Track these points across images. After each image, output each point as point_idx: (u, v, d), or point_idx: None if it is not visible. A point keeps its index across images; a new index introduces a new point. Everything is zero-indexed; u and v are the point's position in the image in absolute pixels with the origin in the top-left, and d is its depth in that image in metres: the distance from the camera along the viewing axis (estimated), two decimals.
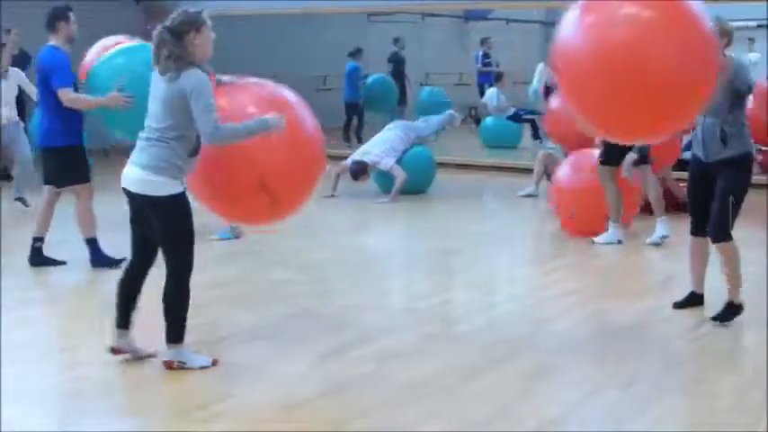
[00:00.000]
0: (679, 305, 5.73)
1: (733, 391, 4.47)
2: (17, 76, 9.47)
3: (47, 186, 6.84)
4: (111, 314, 4.78)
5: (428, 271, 7.27)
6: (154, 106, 4.57)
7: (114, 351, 4.75)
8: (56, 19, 6.67)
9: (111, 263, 6.63)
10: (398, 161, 10.13)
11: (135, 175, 4.56)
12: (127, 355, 4.76)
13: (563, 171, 8.24)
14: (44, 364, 4.86)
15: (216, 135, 4.47)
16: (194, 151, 4.59)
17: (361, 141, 13.18)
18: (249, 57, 15.49)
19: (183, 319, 4.64)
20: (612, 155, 7.51)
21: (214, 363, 4.70)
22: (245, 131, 4.59)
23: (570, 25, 4.79)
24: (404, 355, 5.01)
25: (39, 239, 6.88)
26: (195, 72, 4.48)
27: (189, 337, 5.09)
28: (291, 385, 4.54)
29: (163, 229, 4.58)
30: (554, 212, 8.29)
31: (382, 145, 10.25)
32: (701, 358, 5.07)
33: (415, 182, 10.28)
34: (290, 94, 5.16)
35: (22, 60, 10.90)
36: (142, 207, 4.60)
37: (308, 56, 16.97)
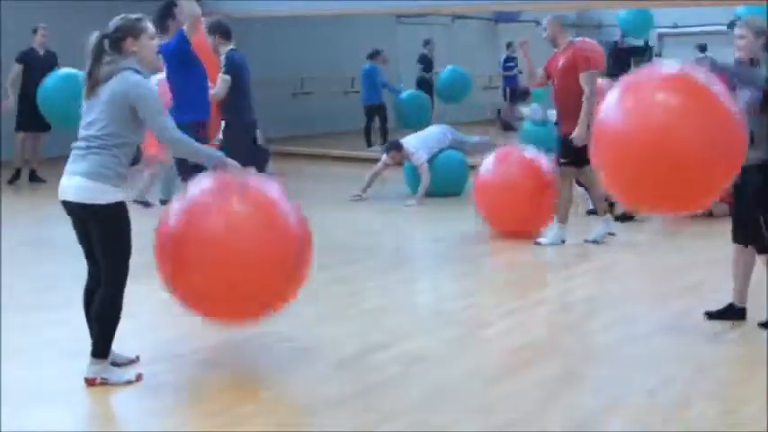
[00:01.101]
0: (713, 316, 5.55)
1: (763, 397, 4.42)
2: None
3: None
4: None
5: (456, 274, 7.26)
6: (91, 114, 4.43)
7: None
8: (165, 18, 6.87)
9: None
10: (430, 161, 10.13)
11: (74, 183, 4.41)
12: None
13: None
14: (66, 364, 4.89)
15: (176, 140, 4.45)
16: (134, 159, 4.50)
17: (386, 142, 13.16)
18: (277, 59, 15.61)
19: (111, 334, 4.48)
20: (573, 157, 7.58)
21: (138, 378, 4.53)
22: (197, 148, 4.56)
23: (609, 105, 5.02)
24: (430, 358, 5.01)
25: None
26: (130, 75, 4.37)
27: (216, 337, 5.13)
28: (318, 387, 4.56)
29: (101, 237, 4.43)
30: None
31: (420, 139, 10.32)
32: (729, 364, 5.03)
33: (447, 184, 10.26)
34: (275, 191, 4.74)
35: (50, 59, 10.99)
36: (83, 219, 4.47)
37: (336, 58, 17.01)
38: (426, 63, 16.95)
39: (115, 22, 4.48)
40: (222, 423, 4.11)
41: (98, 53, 4.41)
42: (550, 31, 7.86)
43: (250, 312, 4.68)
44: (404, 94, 15.55)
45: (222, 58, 7.44)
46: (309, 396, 4.45)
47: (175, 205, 4.62)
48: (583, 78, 7.56)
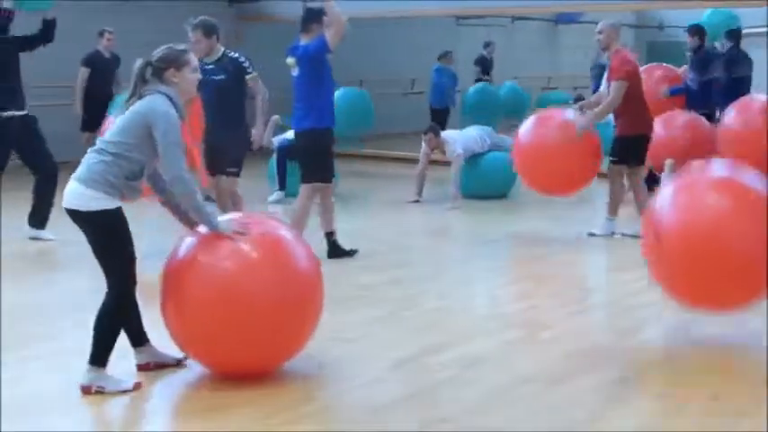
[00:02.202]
0: None
1: None
2: None
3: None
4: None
5: (512, 276, 7.24)
6: (118, 120, 4.50)
7: (140, 368, 4.69)
8: (311, 21, 7.01)
9: (346, 253, 7.27)
10: (475, 162, 10.08)
11: (69, 188, 4.40)
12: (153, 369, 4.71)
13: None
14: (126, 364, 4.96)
15: (181, 178, 4.36)
16: (133, 175, 4.39)
17: None
18: (336, 60, 15.65)
19: (108, 342, 4.43)
20: (623, 156, 8.09)
21: (136, 387, 4.46)
22: (196, 201, 4.41)
23: (664, 202, 5.22)
24: (488, 360, 5.00)
25: (331, 233, 7.33)
26: (160, 99, 4.41)
27: None
28: (375, 388, 4.57)
29: (94, 245, 4.42)
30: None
31: (459, 134, 10.28)
32: None
33: (494, 185, 10.23)
34: (286, 232, 4.72)
35: (115, 62, 11.17)
36: (79, 225, 4.44)
37: (395, 59, 17.04)
38: (485, 65, 16.87)
39: (160, 51, 4.53)
40: (279, 423, 4.13)
41: (140, 79, 4.47)
42: (606, 37, 8.11)
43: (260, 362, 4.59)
44: (471, 89, 15.47)
45: (242, 59, 7.18)
46: (366, 397, 4.46)
47: (180, 249, 4.53)
48: (613, 86, 7.95)
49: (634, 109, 8.03)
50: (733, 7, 12.38)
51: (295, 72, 7.12)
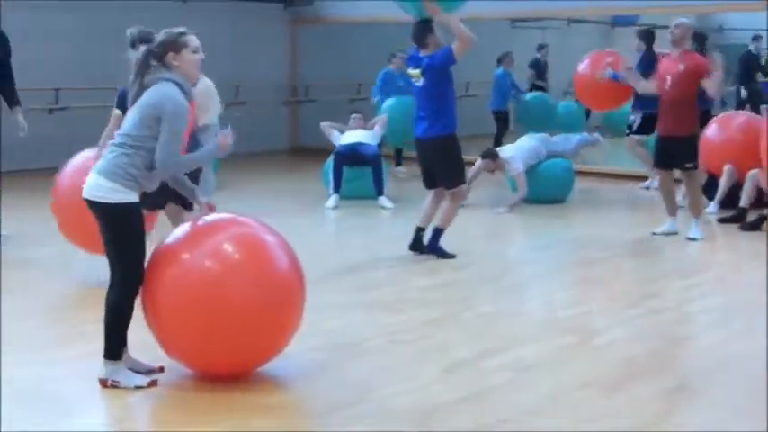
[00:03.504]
0: None
1: None
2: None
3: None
4: None
5: (568, 281, 7.19)
6: (130, 114, 4.51)
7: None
8: (425, 35, 7.29)
9: (445, 254, 7.39)
10: (533, 169, 10.02)
11: (89, 180, 4.46)
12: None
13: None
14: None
15: (167, 165, 4.39)
16: (153, 165, 4.42)
17: None
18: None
19: (120, 336, 4.47)
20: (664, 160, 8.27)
21: (151, 384, 4.49)
22: (191, 162, 4.65)
23: None
24: (542, 365, 4.98)
25: (421, 229, 7.52)
26: (166, 87, 4.43)
27: (325, 338, 5.19)
28: (429, 390, 4.57)
29: (108, 236, 4.43)
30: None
31: (516, 149, 10.16)
32: None
33: (552, 191, 10.17)
34: (269, 236, 4.60)
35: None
36: (96, 216, 4.47)
37: None
38: (540, 69, 16.72)
39: (159, 35, 4.54)
40: (333, 423, 4.16)
41: (144, 66, 4.50)
42: (681, 33, 8.25)
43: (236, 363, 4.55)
44: (528, 96, 15.37)
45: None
46: (421, 399, 4.46)
47: (160, 250, 4.54)
48: (710, 83, 8.03)
49: (692, 110, 8.14)
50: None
51: (419, 83, 7.37)
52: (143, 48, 4.60)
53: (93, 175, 4.45)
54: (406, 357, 5.07)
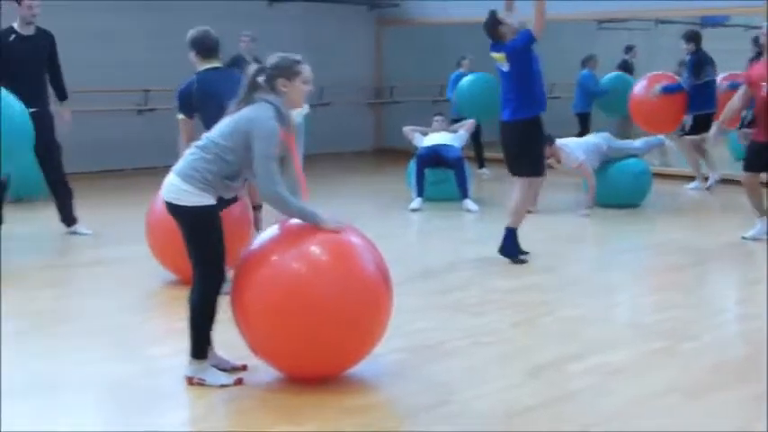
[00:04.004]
0: None
1: None
2: None
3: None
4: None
5: (653, 285, 7.09)
6: (224, 122, 4.51)
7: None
8: (496, 26, 7.37)
9: (517, 259, 7.40)
10: (604, 170, 9.86)
11: (167, 180, 4.51)
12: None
13: None
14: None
15: (276, 196, 4.34)
16: (231, 176, 4.45)
17: None
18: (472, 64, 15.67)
19: (204, 335, 4.55)
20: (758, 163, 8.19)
21: (237, 383, 4.56)
22: (299, 213, 4.43)
23: None
24: (627, 370, 4.93)
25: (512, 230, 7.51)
26: (264, 108, 4.41)
27: (409, 340, 5.22)
28: (511, 393, 4.57)
29: (186, 239, 4.49)
30: None
31: (576, 143, 10.00)
32: None
33: (627, 195, 10.02)
34: (357, 238, 4.60)
35: (238, 63, 11.46)
36: (174, 217, 4.53)
37: None
38: (628, 70, 16.49)
39: (274, 58, 4.52)
40: (419, 424, 4.19)
41: (252, 86, 4.50)
42: None
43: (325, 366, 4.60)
44: (605, 78, 15.17)
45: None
46: (502, 402, 4.46)
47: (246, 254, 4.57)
48: None
49: None
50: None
51: (505, 68, 7.43)
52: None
53: (171, 175, 4.51)
54: (489, 360, 5.07)
